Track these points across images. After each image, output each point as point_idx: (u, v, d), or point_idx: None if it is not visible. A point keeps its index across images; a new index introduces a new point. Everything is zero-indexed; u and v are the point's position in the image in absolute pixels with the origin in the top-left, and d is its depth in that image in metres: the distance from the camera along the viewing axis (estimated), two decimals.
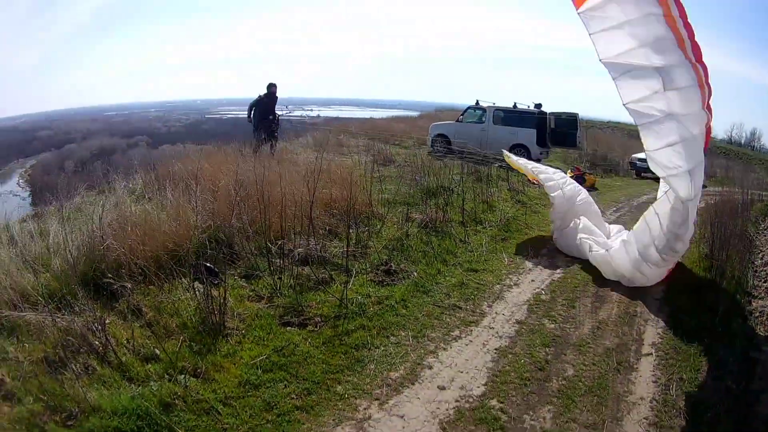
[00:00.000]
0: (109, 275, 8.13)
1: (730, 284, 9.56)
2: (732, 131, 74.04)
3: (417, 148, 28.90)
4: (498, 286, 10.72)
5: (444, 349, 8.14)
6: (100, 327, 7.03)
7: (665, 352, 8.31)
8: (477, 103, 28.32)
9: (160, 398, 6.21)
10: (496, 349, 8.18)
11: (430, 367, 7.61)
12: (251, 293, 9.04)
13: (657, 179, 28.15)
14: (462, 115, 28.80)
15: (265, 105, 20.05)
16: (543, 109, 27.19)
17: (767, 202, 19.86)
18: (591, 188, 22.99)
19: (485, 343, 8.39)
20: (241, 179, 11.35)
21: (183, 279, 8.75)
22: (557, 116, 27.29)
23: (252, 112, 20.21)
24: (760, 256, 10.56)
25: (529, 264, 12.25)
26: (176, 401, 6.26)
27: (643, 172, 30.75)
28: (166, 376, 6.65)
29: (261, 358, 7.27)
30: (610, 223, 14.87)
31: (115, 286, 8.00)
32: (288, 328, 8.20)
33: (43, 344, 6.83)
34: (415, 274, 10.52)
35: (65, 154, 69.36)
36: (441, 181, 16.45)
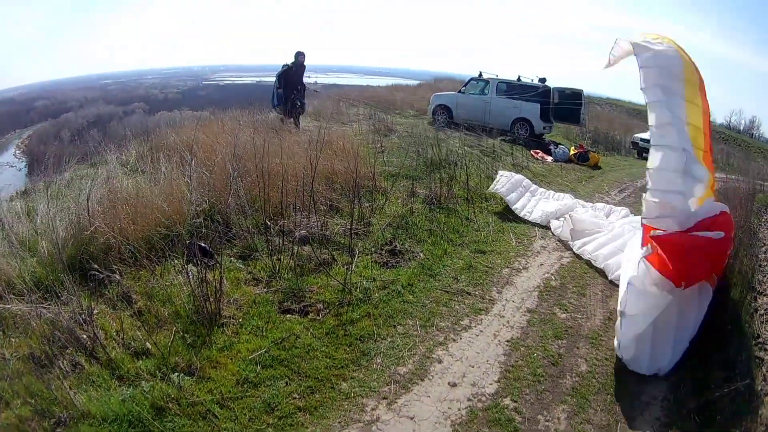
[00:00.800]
0: (97, 261, 7.70)
1: (738, 279, 8.94)
2: (731, 117, 73.83)
3: (417, 118, 28.36)
4: (506, 269, 10.33)
5: (454, 340, 7.72)
6: (87, 318, 6.60)
7: None
8: (480, 74, 27.37)
9: (152, 401, 5.75)
10: (507, 341, 7.79)
11: (440, 361, 7.19)
12: (248, 276, 8.54)
13: None
14: (464, 86, 27.80)
15: (293, 75, 19.30)
16: (547, 83, 26.45)
17: None
18: (594, 167, 23.36)
19: (496, 333, 8.00)
20: (239, 153, 10.83)
21: (175, 261, 8.28)
22: (561, 91, 26.67)
23: (279, 83, 19.40)
24: (763, 249, 10.17)
25: (536, 245, 11.87)
26: (170, 404, 5.79)
27: (645, 153, 29.51)
28: (159, 374, 6.18)
29: (260, 352, 6.79)
30: (615, 204, 14.93)
31: (102, 276, 7.52)
32: (288, 315, 7.72)
33: (29, 338, 6.43)
34: (421, 255, 10.14)
35: (61, 124, 69.43)
36: (444, 154, 15.97)
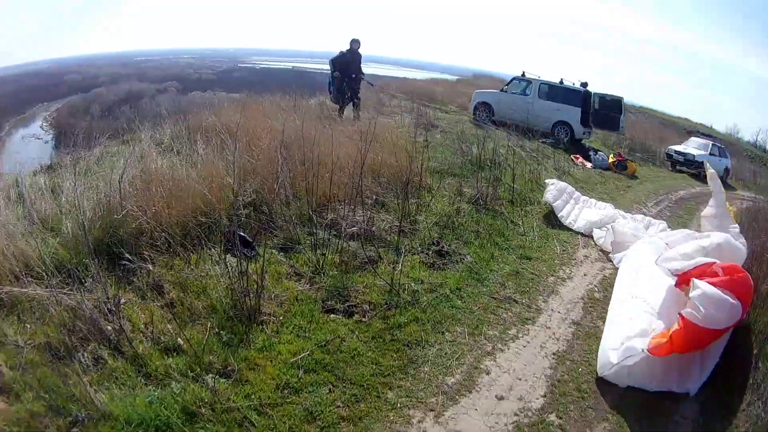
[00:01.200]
0: (127, 246, 7.27)
1: (765, 302, 8.66)
2: (758, 136, 72.91)
3: (458, 113, 27.92)
4: (552, 278, 10.05)
5: (501, 350, 7.38)
6: (113, 308, 6.14)
7: None
8: (523, 74, 27.20)
9: (183, 405, 5.24)
10: (554, 354, 7.52)
11: (488, 372, 6.84)
12: (290, 270, 8.05)
13: (692, 174, 27.75)
14: (507, 85, 27.77)
15: (348, 63, 18.91)
16: (588, 88, 26.32)
17: None
18: (632, 176, 23.22)
19: (543, 345, 7.71)
20: (286, 140, 10.32)
21: (212, 250, 7.81)
22: (602, 97, 27.08)
23: (334, 68, 19.06)
24: None
25: (580, 255, 11.55)
26: (202, 409, 5.28)
27: (679, 165, 31.11)
28: (191, 374, 5.68)
29: (302, 355, 6.30)
30: (653, 217, 14.94)
31: (132, 263, 7.09)
32: (332, 316, 7.25)
33: (46, 326, 5.94)
34: (469, 258, 9.70)
35: (92, 98, 69.33)
36: (488, 153, 15.73)
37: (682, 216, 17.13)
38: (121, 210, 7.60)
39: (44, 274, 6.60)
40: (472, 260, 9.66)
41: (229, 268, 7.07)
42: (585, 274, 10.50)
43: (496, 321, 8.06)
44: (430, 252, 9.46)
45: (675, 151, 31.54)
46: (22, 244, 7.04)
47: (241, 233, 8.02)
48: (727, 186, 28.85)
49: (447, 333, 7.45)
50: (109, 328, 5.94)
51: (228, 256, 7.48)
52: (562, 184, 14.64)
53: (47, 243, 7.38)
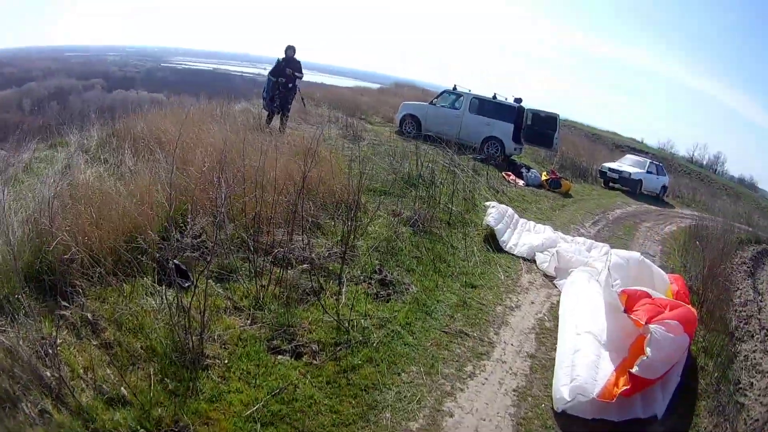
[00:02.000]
0: (57, 272, 6.63)
1: (718, 325, 9.45)
2: (695, 151, 74.42)
3: (383, 125, 27.52)
4: (500, 307, 9.83)
5: (461, 389, 7.15)
6: (50, 351, 5.56)
7: None
8: (454, 87, 26.80)
9: None
10: (514, 390, 7.37)
11: (451, 415, 6.64)
12: (228, 304, 7.53)
13: (625, 191, 28.01)
14: (437, 97, 27.30)
15: (282, 70, 18.20)
16: (522, 104, 26.16)
17: (738, 233, 19.99)
18: (566, 194, 23.29)
19: (501, 381, 7.51)
20: (218, 154, 9.78)
21: (146, 278, 7.25)
22: (536, 113, 26.70)
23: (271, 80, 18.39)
24: (737, 294, 10.04)
25: (524, 281, 11.39)
26: None
27: (611, 182, 31.14)
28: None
29: (257, 406, 5.85)
30: (592, 238, 15.15)
31: (66, 290, 6.50)
32: (280, 357, 6.79)
33: None
34: (414, 288, 9.37)
35: (24, 92, 68.70)
36: (421, 169, 15.33)
37: (621, 237, 17.07)
38: (50, 234, 6.88)
39: None
40: (417, 290, 9.35)
41: (166, 302, 6.61)
42: (532, 302, 10.35)
43: (450, 357, 7.82)
44: (373, 281, 9.12)
45: (609, 168, 31.45)
46: None
47: (176, 261, 7.46)
48: (664, 204, 29.68)
49: (403, 374, 7.16)
50: (48, 374, 5.41)
51: (164, 287, 6.94)
52: (503, 207, 14.50)
53: None
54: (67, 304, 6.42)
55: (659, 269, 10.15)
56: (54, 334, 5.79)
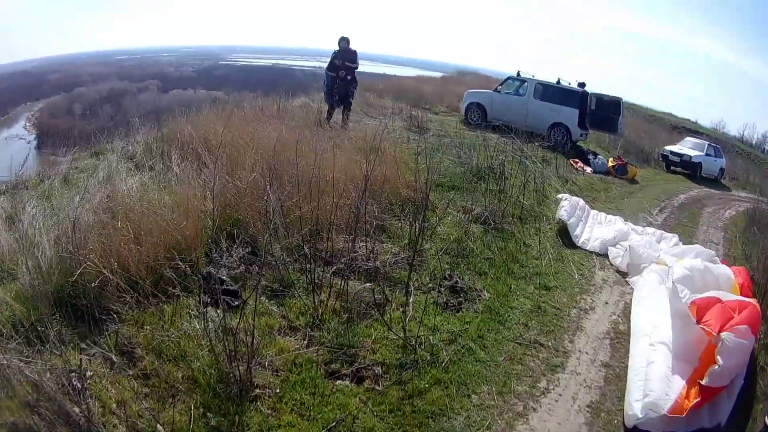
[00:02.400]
0: (89, 296, 6.05)
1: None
2: (744, 131, 72.94)
3: (448, 114, 27.18)
4: (574, 310, 9.21)
5: (534, 408, 6.62)
6: (79, 385, 5.04)
7: None
8: (518, 73, 26.24)
9: None
10: (587, 406, 6.88)
11: None
12: (283, 322, 6.86)
13: (686, 174, 27.12)
14: (501, 84, 26.44)
15: (337, 64, 17.73)
16: (585, 89, 25.50)
17: None
18: (632, 180, 22.75)
19: (575, 396, 7.01)
20: (272, 156, 9.06)
21: (189, 299, 6.66)
22: (599, 98, 25.95)
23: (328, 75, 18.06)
24: None
25: (598, 278, 10.73)
26: None
27: (673, 166, 30.62)
28: None
29: None
30: (659, 227, 14.80)
31: (100, 316, 5.98)
32: (338, 382, 6.17)
33: (11, 400, 4.81)
34: (486, 294, 8.66)
35: (74, 98, 69.57)
36: (489, 160, 14.61)
37: (687, 224, 16.51)
38: (79, 256, 6.27)
39: (1, 330, 5.65)
40: (490, 296, 8.67)
41: (212, 325, 5.95)
42: (606, 302, 9.73)
43: (524, 372, 7.26)
44: (443, 289, 8.41)
45: (671, 151, 30.97)
46: None
47: (223, 277, 6.88)
48: (722, 187, 29.16)
49: (473, 395, 6.56)
50: (77, 410, 4.90)
51: (209, 308, 6.35)
52: (575, 199, 13.86)
53: (4, 289, 6.42)
54: (102, 331, 5.93)
55: (722, 267, 9.75)
56: (84, 365, 5.28)
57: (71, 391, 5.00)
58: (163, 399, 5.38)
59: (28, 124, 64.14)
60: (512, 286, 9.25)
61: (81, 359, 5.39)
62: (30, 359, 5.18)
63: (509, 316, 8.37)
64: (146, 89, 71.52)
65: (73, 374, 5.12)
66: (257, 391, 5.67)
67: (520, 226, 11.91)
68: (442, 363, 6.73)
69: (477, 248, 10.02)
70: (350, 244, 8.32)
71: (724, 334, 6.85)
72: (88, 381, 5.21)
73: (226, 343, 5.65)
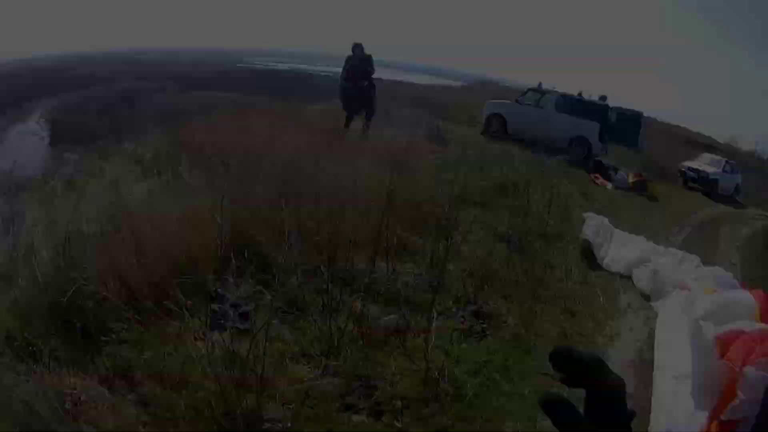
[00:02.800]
0: (87, 313, 5.74)
1: None
2: (758, 146, 72.31)
3: (469, 125, 26.95)
4: (600, 338, 8.68)
5: None
6: (71, 409, 4.72)
7: None
8: (540, 85, 26.43)
9: None
10: None
11: None
12: (296, 349, 6.38)
13: (705, 192, 27.04)
14: (522, 95, 26.62)
15: (352, 69, 17.61)
16: (607, 102, 25.84)
17: None
18: (651, 197, 22.46)
19: None
20: (288, 165, 8.73)
21: (195, 319, 6.16)
22: (620, 112, 26.61)
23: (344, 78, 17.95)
24: None
25: (622, 302, 10.25)
26: None
27: (691, 182, 30.38)
28: None
29: None
30: (680, 247, 13.97)
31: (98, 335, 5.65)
32: (355, 417, 5.65)
33: (3, 420, 4.49)
34: (511, 320, 8.22)
35: (90, 95, 69.50)
36: (512, 173, 14.63)
37: (705, 244, 16.06)
38: (76, 273, 5.95)
39: None
40: (515, 322, 8.21)
41: (217, 351, 5.46)
42: (631, 329, 9.21)
43: None
44: (467, 313, 7.98)
45: (689, 167, 30.81)
46: None
47: (232, 298, 6.50)
48: (737, 204, 29.16)
49: None
50: None
51: (215, 333, 5.87)
52: (600, 218, 13.56)
53: None
54: (100, 350, 5.57)
55: (744, 295, 8.91)
56: (77, 388, 4.95)
57: (64, 416, 4.63)
58: (163, 428, 4.97)
59: (42, 120, 64.13)
60: (537, 311, 8.77)
61: (74, 382, 5.04)
62: (22, 377, 4.90)
63: (535, 343, 7.85)
64: (163, 90, 71.50)
65: (68, 397, 4.77)
66: (266, 425, 5.20)
67: (545, 245, 11.64)
68: (466, 397, 6.23)
69: (501, 269, 9.67)
70: (371, 263, 7.83)
71: (746, 369, 6.41)
72: (83, 405, 4.82)
73: (233, 372, 5.21)
